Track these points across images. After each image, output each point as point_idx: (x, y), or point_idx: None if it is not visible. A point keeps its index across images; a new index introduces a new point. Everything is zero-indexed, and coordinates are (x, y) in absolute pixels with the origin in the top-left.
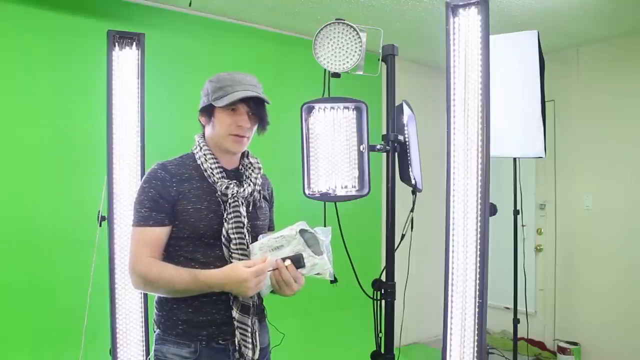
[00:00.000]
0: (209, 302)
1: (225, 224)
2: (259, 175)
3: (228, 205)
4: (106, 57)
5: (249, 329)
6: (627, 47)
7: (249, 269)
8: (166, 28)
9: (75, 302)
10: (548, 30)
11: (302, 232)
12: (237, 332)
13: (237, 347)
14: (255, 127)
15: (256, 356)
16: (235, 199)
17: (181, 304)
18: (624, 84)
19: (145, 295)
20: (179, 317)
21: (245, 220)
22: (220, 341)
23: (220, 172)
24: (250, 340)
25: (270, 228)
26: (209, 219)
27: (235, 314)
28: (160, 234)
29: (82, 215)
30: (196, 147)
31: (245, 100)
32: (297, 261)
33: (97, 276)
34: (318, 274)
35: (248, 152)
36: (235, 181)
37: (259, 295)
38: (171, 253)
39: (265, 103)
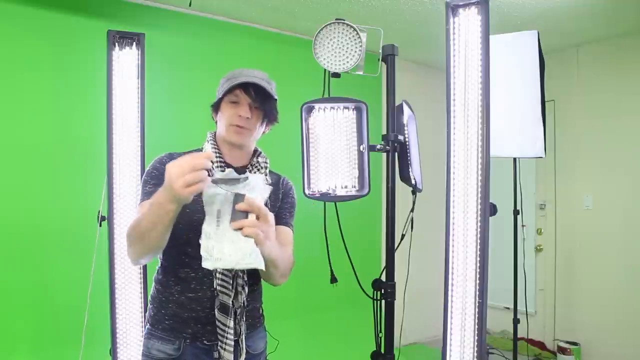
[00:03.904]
0: (195, 299)
1: None
2: (263, 174)
3: None
4: (106, 57)
5: (230, 331)
6: (627, 46)
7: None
8: (166, 28)
9: (75, 302)
10: (548, 30)
11: (213, 182)
12: (218, 332)
13: (218, 350)
14: (260, 122)
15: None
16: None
17: (169, 297)
18: (624, 84)
19: (145, 295)
20: (166, 312)
21: None
22: (205, 341)
23: (222, 167)
24: (230, 343)
25: (278, 222)
26: (202, 210)
27: (216, 313)
28: None
29: (82, 215)
30: (205, 142)
31: (246, 91)
32: (239, 200)
33: (97, 276)
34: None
35: (260, 153)
36: None
37: (247, 297)
38: None
39: (273, 97)
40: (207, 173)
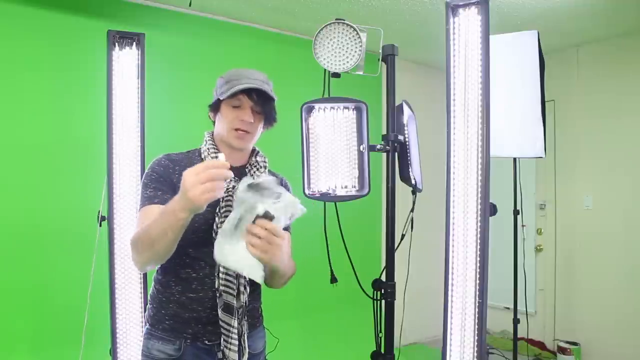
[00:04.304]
0: (196, 299)
1: (216, 218)
2: (262, 174)
3: (222, 199)
4: (106, 57)
5: (235, 331)
6: (627, 47)
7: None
8: (166, 28)
9: (75, 302)
10: (548, 30)
11: (249, 187)
12: (222, 332)
13: (222, 350)
14: (261, 124)
15: (244, 359)
16: (230, 193)
17: (170, 297)
18: (624, 84)
19: (145, 295)
20: (166, 312)
21: None
22: (206, 341)
23: None
24: (235, 342)
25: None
26: (204, 212)
27: (219, 313)
28: None
29: (82, 215)
30: (203, 142)
31: (248, 95)
32: (264, 216)
33: (97, 276)
34: (291, 217)
35: (258, 152)
36: (234, 177)
37: (249, 296)
38: None
39: (273, 99)
40: (223, 182)
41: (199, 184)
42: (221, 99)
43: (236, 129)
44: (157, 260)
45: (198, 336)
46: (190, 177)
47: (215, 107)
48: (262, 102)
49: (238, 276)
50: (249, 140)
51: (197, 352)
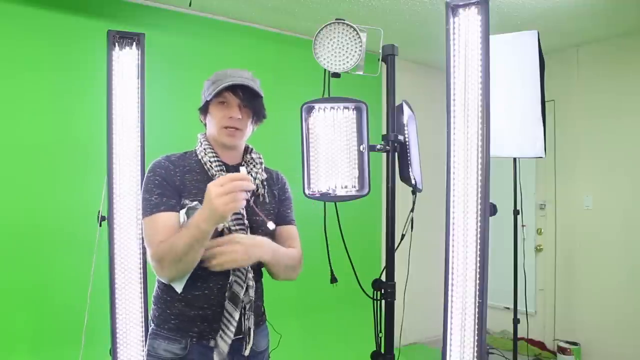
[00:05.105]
0: (202, 296)
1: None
2: (260, 170)
3: None
4: (106, 57)
5: (234, 323)
6: (627, 47)
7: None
8: (166, 28)
9: (75, 302)
10: (548, 30)
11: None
12: (222, 321)
13: (216, 338)
14: (250, 120)
15: (246, 353)
16: None
17: (175, 296)
18: (624, 84)
19: (145, 295)
20: (172, 311)
21: (244, 213)
22: (212, 339)
23: (219, 165)
24: (230, 334)
25: (282, 222)
26: None
27: (226, 303)
28: (173, 219)
29: (82, 215)
30: (198, 143)
31: (234, 92)
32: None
33: (97, 276)
34: None
35: (252, 149)
36: None
37: (256, 292)
38: None
39: (260, 95)
40: (245, 194)
41: (223, 195)
42: (208, 99)
43: (226, 127)
44: (187, 272)
45: (204, 334)
46: (214, 188)
47: (205, 109)
48: (248, 98)
49: (247, 271)
50: (239, 137)
51: (203, 350)
